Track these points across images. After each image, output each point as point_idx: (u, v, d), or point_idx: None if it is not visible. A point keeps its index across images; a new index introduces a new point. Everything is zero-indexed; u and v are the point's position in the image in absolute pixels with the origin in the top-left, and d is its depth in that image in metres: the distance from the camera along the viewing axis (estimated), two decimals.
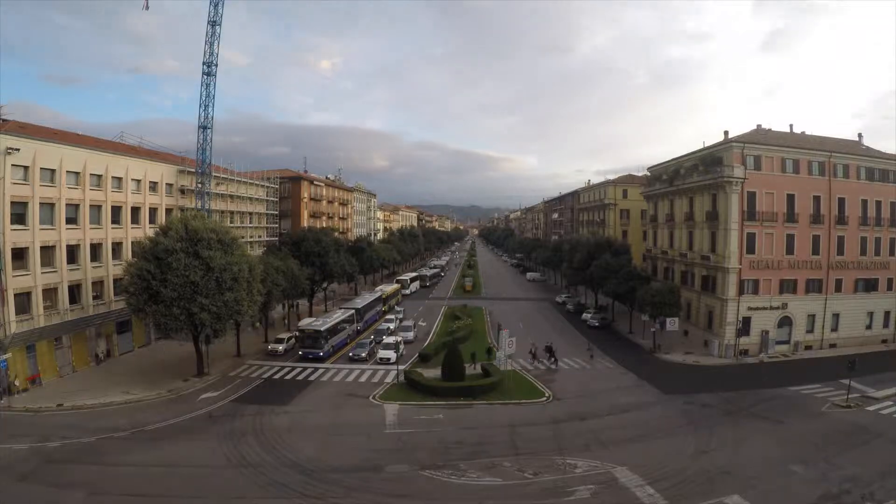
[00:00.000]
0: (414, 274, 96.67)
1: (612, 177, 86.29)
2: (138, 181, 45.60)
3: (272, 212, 73.23)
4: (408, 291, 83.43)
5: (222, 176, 58.96)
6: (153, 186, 47.68)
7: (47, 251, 36.53)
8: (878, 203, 49.35)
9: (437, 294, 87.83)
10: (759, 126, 52.97)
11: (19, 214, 34.40)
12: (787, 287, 46.80)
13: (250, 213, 66.35)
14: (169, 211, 48.87)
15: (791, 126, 54.33)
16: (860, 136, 56.30)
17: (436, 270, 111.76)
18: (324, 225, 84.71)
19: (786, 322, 46.95)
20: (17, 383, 32.86)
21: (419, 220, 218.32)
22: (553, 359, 43.80)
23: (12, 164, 33.57)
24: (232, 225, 56.97)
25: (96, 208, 40.89)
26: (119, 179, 43.11)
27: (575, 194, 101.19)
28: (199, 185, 50.28)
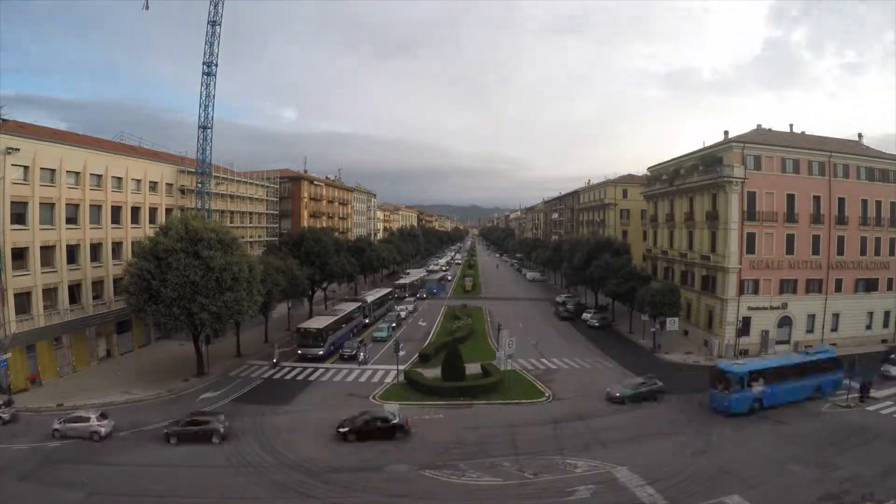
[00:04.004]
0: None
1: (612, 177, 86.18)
2: (138, 181, 45.61)
3: (272, 212, 73.27)
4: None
5: (222, 176, 58.98)
6: (153, 186, 47.68)
7: (47, 251, 36.54)
8: (878, 203, 49.27)
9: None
10: (759, 126, 52.96)
11: (19, 214, 34.44)
12: (787, 287, 46.77)
13: (250, 213, 66.38)
14: (169, 211, 48.88)
15: (791, 126, 54.40)
16: (860, 136, 56.35)
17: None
18: (324, 225, 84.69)
19: (786, 322, 46.91)
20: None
21: (419, 220, 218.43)
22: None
23: (12, 164, 33.60)
24: (232, 225, 57.00)
25: (96, 208, 40.90)
26: (119, 179, 43.12)
27: (575, 194, 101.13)
28: (199, 185, 50.30)
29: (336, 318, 49.39)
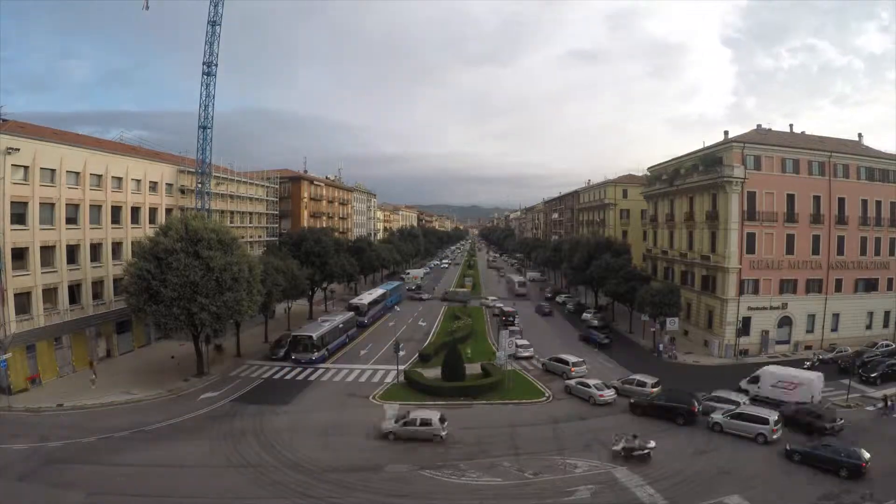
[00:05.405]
0: None
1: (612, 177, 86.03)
2: (138, 181, 45.56)
3: (272, 212, 73.22)
4: None
5: (222, 176, 58.94)
6: (153, 186, 47.64)
7: (47, 251, 36.50)
8: (878, 203, 49.33)
9: (436, 293, 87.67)
10: (759, 126, 52.97)
11: (19, 214, 34.38)
12: (787, 287, 46.78)
13: (250, 213, 66.33)
14: (169, 211, 48.84)
15: (791, 126, 54.45)
16: (860, 135, 56.35)
17: None
18: (324, 225, 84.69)
19: (786, 322, 46.93)
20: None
21: (419, 220, 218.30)
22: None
23: (12, 164, 33.57)
24: (232, 225, 56.95)
25: (96, 208, 40.86)
26: (119, 179, 43.07)
27: (575, 194, 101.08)
28: (199, 185, 50.25)
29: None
